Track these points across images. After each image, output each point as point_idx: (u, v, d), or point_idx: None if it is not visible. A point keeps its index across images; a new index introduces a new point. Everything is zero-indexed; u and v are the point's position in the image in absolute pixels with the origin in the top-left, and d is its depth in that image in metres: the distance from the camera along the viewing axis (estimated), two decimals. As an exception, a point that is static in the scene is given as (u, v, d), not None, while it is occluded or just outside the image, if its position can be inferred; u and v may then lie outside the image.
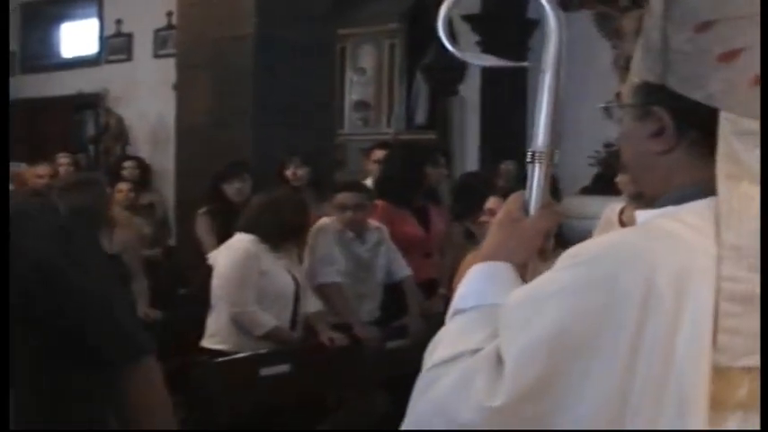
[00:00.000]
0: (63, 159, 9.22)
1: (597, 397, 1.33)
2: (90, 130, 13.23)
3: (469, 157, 11.02)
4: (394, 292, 5.67)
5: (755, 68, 1.42)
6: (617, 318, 1.33)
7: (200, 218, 6.38)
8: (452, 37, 1.86)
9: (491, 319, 1.48)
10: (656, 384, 1.32)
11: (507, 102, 10.75)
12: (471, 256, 4.95)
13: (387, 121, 11.92)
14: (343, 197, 5.46)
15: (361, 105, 12.12)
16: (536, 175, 1.70)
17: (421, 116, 11.88)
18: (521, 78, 10.69)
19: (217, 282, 4.97)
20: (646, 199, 1.63)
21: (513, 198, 1.73)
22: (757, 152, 1.41)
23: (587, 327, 1.34)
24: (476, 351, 1.42)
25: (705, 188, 1.43)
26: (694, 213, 1.43)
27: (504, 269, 1.62)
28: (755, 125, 1.41)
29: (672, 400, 1.32)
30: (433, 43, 11.19)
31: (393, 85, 11.95)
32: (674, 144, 1.48)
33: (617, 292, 1.34)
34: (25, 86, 14.16)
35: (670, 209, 1.47)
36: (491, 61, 1.91)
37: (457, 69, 11.11)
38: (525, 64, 2.01)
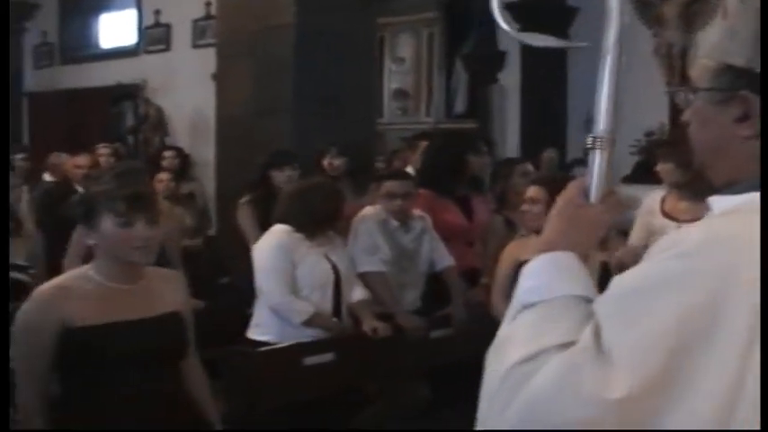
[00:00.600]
0: (103, 150, 9.24)
1: (713, 388, 1.29)
2: (129, 120, 13.25)
3: (510, 146, 10.95)
4: (435, 282, 5.63)
5: None
6: (733, 307, 1.30)
7: (242, 207, 6.36)
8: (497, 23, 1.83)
9: (569, 312, 1.46)
10: None
11: (547, 89, 10.68)
12: (512, 246, 4.91)
13: (426, 110, 11.89)
14: (391, 185, 5.42)
15: (400, 94, 12.09)
16: (597, 162, 1.65)
17: (460, 105, 11.84)
18: (561, 66, 10.62)
19: (256, 273, 4.96)
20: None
21: (574, 185, 1.68)
22: None
23: (705, 318, 1.31)
24: (562, 346, 1.38)
25: None
26: None
27: (569, 259, 1.57)
28: None
29: None
30: (472, 31, 11.16)
31: (432, 74, 11.92)
32: (758, 129, 1.45)
33: (731, 281, 1.31)
34: (64, 77, 14.25)
35: (753, 195, 1.43)
36: (549, 41, 1.86)
37: (496, 57, 11.07)
38: (584, 44, 1.96)
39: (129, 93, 13.13)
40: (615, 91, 1.64)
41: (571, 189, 1.68)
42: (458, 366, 5.85)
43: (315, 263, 4.97)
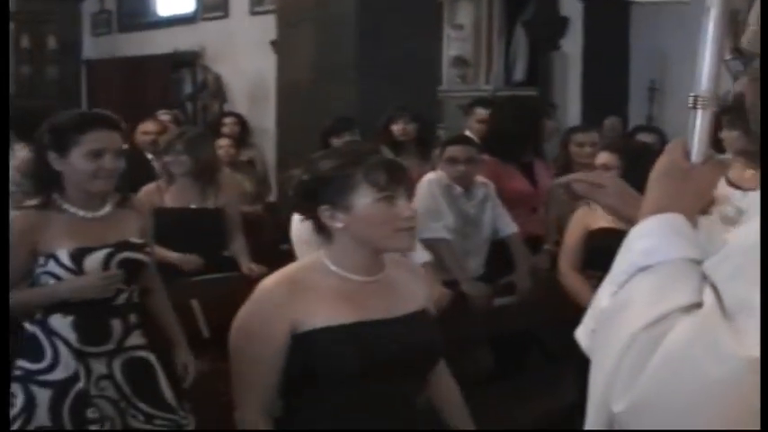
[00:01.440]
0: (164, 116, 9.26)
1: None
2: (187, 88, 13.31)
3: (571, 113, 10.85)
4: (498, 249, 5.58)
5: None
6: None
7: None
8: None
9: (689, 274, 1.42)
10: None
11: (609, 56, 10.56)
12: (581, 214, 4.84)
13: (485, 78, 11.79)
14: (454, 150, 5.34)
15: (459, 62, 12.00)
16: (698, 121, 1.60)
17: (520, 72, 11.74)
18: (623, 32, 10.49)
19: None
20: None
21: (676, 146, 1.64)
22: None
23: None
24: (687, 308, 1.35)
25: None
26: None
27: (681, 221, 1.53)
28: None
29: None
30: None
31: (492, 41, 11.81)
32: None
33: None
34: (123, 45, 14.34)
35: None
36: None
37: (558, 23, 10.96)
38: (686, 1, 1.90)
39: (188, 60, 13.18)
40: (719, 48, 1.58)
41: (674, 149, 1.63)
42: (522, 334, 5.86)
43: None
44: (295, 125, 7.60)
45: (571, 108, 10.94)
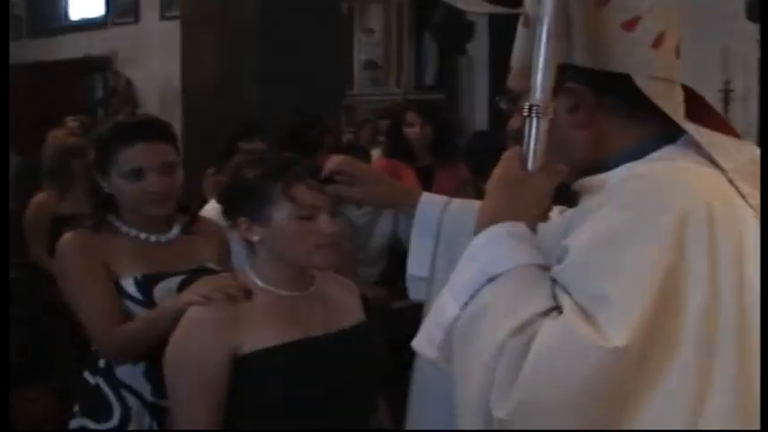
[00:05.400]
0: (72, 123, 9.14)
1: (697, 325, 1.38)
2: (99, 92, 13.17)
3: (479, 117, 10.93)
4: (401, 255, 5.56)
5: (655, 31, 1.60)
6: (694, 246, 1.40)
7: (209, 178, 6.33)
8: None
9: (540, 280, 1.48)
10: (737, 307, 1.40)
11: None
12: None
13: (396, 81, 11.84)
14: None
15: (370, 65, 12.04)
16: (533, 130, 1.62)
17: (430, 76, 11.81)
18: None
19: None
20: None
21: (510, 154, 1.65)
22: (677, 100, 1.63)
23: (676, 258, 1.38)
24: (545, 312, 1.42)
25: (649, 144, 1.61)
26: (671, 158, 1.57)
27: (522, 229, 1.57)
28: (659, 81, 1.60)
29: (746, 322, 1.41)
30: (440, 1, 11.13)
31: (402, 45, 11.87)
32: (595, 114, 1.62)
33: (687, 222, 1.40)
34: (33, 50, 14.12)
35: (637, 163, 1.59)
36: (484, 8, 1.86)
37: (464, 28, 11.04)
38: (520, 11, 1.95)
39: (99, 65, 13.05)
40: (552, 56, 1.62)
41: (508, 159, 1.65)
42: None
43: None
44: (200, 129, 7.57)
45: (479, 111, 11.02)
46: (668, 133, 1.61)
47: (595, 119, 1.63)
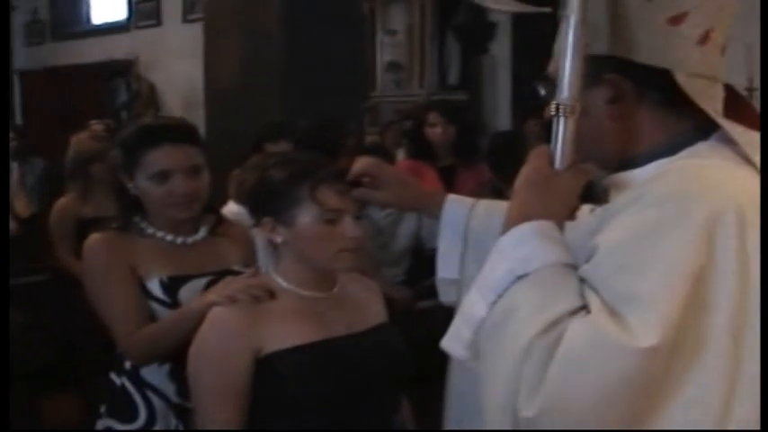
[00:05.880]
0: (96, 126, 9.18)
1: (726, 325, 1.37)
2: (122, 96, 13.21)
3: (501, 117, 10.91)
4: (424, 257, 5.57)
5: (702, 28, 1.59)
6: (724, 245, 1.38)
7: (233, 180, 6.33)
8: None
9: (569, 279, 1.47)
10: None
11: (538, 60, 10.59)
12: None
13: (419, 83, 11.82)
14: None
15: (393, 67, 12.02)
16: (561, 129, 1.62)
17: (453, 76, 11.78)
18: (551, 34, 10.55)
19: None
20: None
21: (539, 153, 1.65)
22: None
23: (706, 257, 1.37)
24: (574, 312, 1.41)
25: (682, 140, 1.60)
26: (703, 155, 1.56)
27: (551, 227, 1.56)
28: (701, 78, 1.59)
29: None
30: (463, 1, 11.10)
31: (425, 46, 11.84)
32: (635, 107, 1.61)
33: (717, 221, 1.39)
34: (56, 55, 14.20)
35: (668, 160, 1.58)
36: (510, 6, 1.85)
37: (487, 28, 11.01)
38: (546, 10, 1.94)
39: (122, 69, 13.08)
40: (580, 55, 1.62)
41: (536, 157, 1.65)
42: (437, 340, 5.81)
43: None
44: (224, 132, 7.58)
45: (501, 111, 11.00)
46: (701, 130, 1.60)
47: (633, 112, 1.62)
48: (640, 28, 1.58)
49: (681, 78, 1.57)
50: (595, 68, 1.60)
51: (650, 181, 1.51)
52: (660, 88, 1.59)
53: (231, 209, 4.30)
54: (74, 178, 5.68)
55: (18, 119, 13.46)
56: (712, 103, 1.60)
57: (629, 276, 1.38)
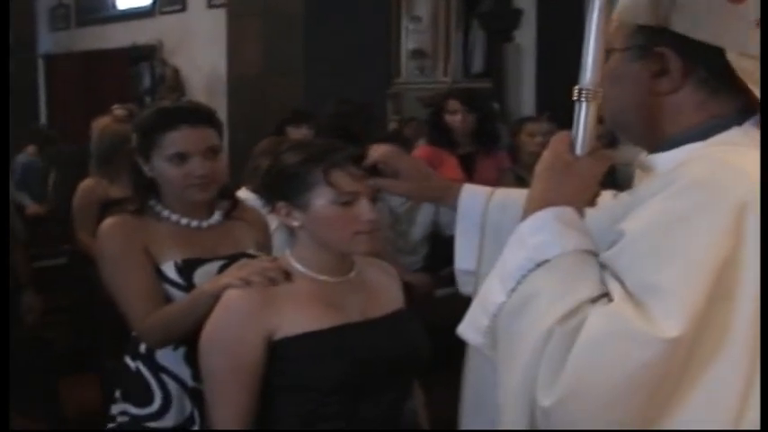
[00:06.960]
0: (119, 111, 9.20)
1: (749, 317, 1.35)
2: (146, 81, 13.24)
3: (526, 104, 10.86)
4: (443, 243, 5.56)
5: (757, 12, 1.56)
6: (751, 235, 1.36)
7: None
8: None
9: (590, 265, 1.46)
10: None
11: (563, 48, 10.55)
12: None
13: (444, 70, 11.78)
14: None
15: (417, 54, 11.99)
16: (583, 114, 1.61)
17: (478, 64, 11.73)
18: (577, 22, 10.49)
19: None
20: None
21: (560, 138, 1.64)
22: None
23: (732, 247, 1.35)
24: (595, 299, 1.40)
25: (716, 125, 1.57)
26: (735, 141, 1.53)
27: (572, 213, 1.55)
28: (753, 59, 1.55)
29: None
30: (488, -11, 11.08)
31: (449, 33, 11.80)
32: (680, 83, 1.58)
33: (744, 211, 1.37)
34: (81, 39, 14.25)
35: (698, 145, 1.55)
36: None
37: (512, 15, 10.96)
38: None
39: (146, 54, 13.11)
40: (602, 42, 1.60)
41: (558, 143, 1.64)
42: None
43: None
44: (245, 118, 7.60)
45: (526, 99, 10.95)
46: (739, 115, 1.58)
47: (676, 88, 1.60)
48: (701, 4, 1.56)
49: (732, 57, 1.54)
50: (645, 40, 1.58)
51: (679, 167, 1.48)
52: (708, 67, 1.57)
53: (244, 193, 4.31)
54: (99, 161, 5.69)
55: (42, 103, 13.51)
56: (756, 88, 1.56)
57: (654, 265, 1.37)
